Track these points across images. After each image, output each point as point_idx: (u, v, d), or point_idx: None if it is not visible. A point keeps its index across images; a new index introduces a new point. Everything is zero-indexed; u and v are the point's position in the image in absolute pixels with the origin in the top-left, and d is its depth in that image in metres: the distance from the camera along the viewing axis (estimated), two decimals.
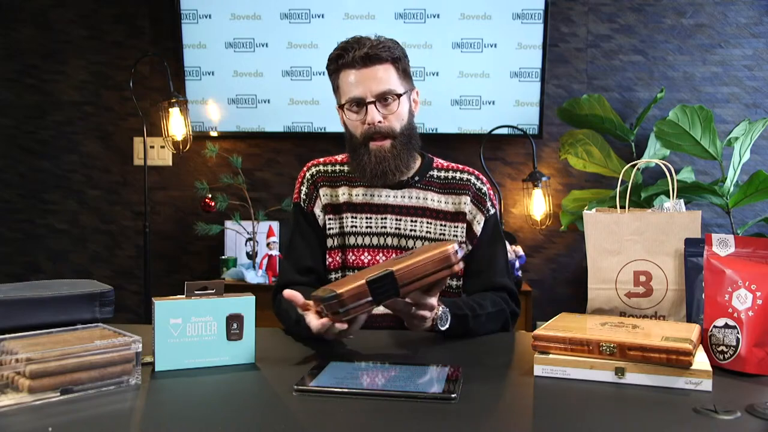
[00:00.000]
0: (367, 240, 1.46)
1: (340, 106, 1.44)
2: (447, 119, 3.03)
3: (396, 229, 1.45)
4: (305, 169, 1.52)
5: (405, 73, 1.43)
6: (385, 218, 1.46)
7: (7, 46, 3.19)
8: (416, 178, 1.47)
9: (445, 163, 1.53)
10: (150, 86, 3.16)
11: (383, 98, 1.38)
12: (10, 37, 3.19)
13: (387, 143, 1.40)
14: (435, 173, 1.50)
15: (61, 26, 3.18)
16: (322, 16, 3.01)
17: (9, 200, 3.24)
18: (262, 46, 3.04)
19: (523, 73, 2.99)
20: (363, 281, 1.05)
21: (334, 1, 2.99)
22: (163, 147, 3.12)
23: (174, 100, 2.87)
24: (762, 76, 3.02)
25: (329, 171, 1.50)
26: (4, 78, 3.20)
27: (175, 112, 2.90)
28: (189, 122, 2.95)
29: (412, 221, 1.45)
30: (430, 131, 3.04)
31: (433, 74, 3.02)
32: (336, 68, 1.41)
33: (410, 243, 1.45)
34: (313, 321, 1.10)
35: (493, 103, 3.01)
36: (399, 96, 1.39)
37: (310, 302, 1.14)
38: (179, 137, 2.93)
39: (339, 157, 1.53)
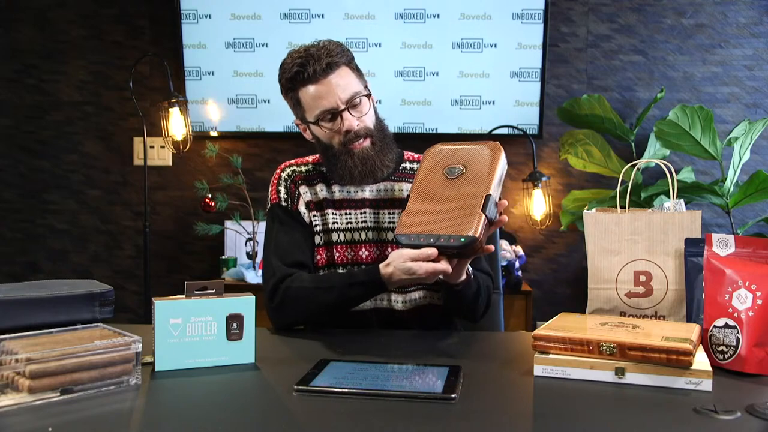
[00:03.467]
0: (348, 236, 1.45)
1: (311, 122, 1.42)
2: (447, 119, 3.03)
3: (375, 222, 1.46)
4: (279, 171, 1.52)
5: (358, 71, 1.44)
6: (365, 212, 1.46)
7: (7, 46, 3.19)
8: (390, 171, 1.49)
9: (416, 155, 1.55)
10: (150, 86, 3.16)
11: (353, 102, 1.39)
12: (10, 37, 3.19)
13: (367, 142, 1.41)
14: (407, 165, 1.53)
15: (61, 26, 3.18)
16: (322, 16, 3.01)
17: (9, 200, 3.24)
18: (262, 46, 3.04)
19: (523, 73, 2.99)
20: (480, 213, 1.13)
21: (334, 1, 2.99)
22: (163, 147, 3.12)
23: (174, 100, 2.87)
24: (762, 76, 3.02)
25: (304, 171, 1.50)
26: (4, 78, 3.20)
27: (175, 112, 2.90)
28: (189, 122, 2.95)
29: (389, 213, 1.46)
30: (430, 131, 3.04)
31: (433, 74, 3.02)
32: (293, 86, 1.40)
33: (386, 235, 1.45)
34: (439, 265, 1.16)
35: (493, 103, 3.02)
36: (366, 96, 1.41)
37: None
38: (179, 137, 2.93)
39: (310, 158, 1.54)
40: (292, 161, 1.53)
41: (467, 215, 1.14)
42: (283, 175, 1.50)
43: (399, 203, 1.47)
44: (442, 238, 1.14)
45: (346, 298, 1.31)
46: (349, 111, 1.38)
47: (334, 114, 1.39)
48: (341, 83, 1.37)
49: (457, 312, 1.43)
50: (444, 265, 1.16)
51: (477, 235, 1.11)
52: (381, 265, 1.25)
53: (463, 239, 1.12)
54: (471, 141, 1.28)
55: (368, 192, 1.47)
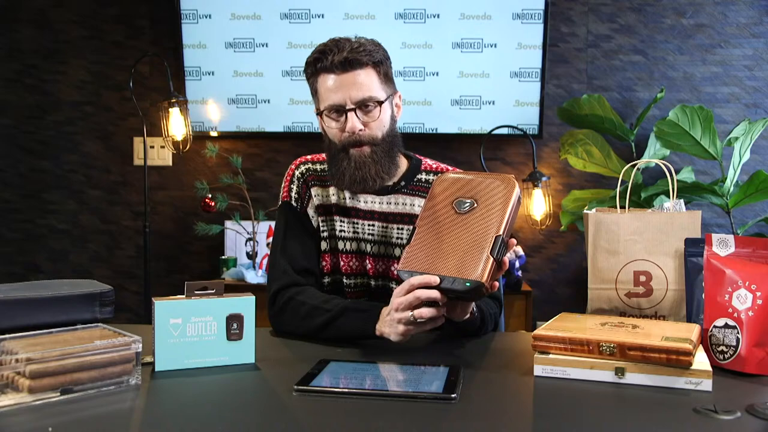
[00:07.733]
0: (354, 245, 1.42)
1: (319, 113, 1.37)
2: (447, 119, 3.03)
3: (382, 236, 1.40)
4: (293, 166, 1.46)
5: (387, 77, 1.37)
6: (373, 225, 1.41)
7: (7, 46, 3.19)
8: (402, 183, 1.42)
9: (434, 165, 1.47)
10: (150, 86, 3.16)
11: (364, 105, 1.31)
12: (10, 37, 3.19)
13: (367, 149, 1.34)
14: (423, 176, 1.43)
15: (61, 26, 3.17)
16: (322, 16, 3.01)
17: (9, 200, 3.24)
18: (262, 46, 3.04)
19: (523, 73, 2.99)
20: (488, 256, 1.07)
21: (334, 1, 2.99)
22: (163, 147, 3.12)
23: (174, 100, 2.87)
24: (762, 76, 3.02)
25: (318, 170, 1.45)
26: (4, 78, 3.20)
27: (175, 112, 2.90)
28: (189, 122, 2.95)
29: (398, 228, 1.40)
30: (430, 131, 3.04)
31: (433, 74, 3.02)
32: (313, 72, 1.34)
33: (393, 251, 1.41)
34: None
35: (493, 103, 3.01)
36: (380, 103, 1.33)
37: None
38: (179, 137, 2.93)
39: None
40: (308, 157, 1.48)
41: (474, 257, 1.07)
42: (297, 172, 1.45)
43: (410, 219, 1.40)
44: (445, 279, 1.07)
45: (328, 326, 1.25)
46: (356, 112, 1.31)
47: (340, 111, 1.32)
48: (358, 82, 1.30)
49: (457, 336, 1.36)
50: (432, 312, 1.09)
51: (483, 281, 1.05)
52: (378, 325, 1.19)
53: (468, 283, 1.05)
54: (485, 173, 1.21)
55: (378, 204, 1.41)
